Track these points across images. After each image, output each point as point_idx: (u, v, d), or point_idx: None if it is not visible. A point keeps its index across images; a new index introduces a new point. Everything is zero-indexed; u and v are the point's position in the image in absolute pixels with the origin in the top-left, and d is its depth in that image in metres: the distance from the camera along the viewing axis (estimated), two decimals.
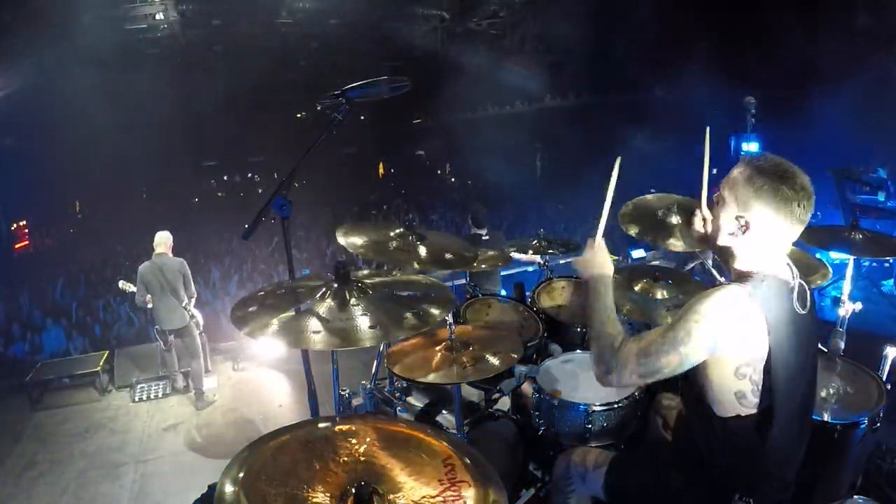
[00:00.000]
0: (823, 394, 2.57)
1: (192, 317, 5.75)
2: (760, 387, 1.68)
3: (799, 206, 1.67)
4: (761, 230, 1.70)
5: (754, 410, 1.70)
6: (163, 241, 5.68)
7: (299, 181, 2.14)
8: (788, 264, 1.78)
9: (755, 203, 1.69)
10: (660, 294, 3.42)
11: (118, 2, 11.06)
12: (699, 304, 1.66)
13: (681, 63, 12.43)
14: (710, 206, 1.91)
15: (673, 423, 2.41)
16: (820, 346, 3.15)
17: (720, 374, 1.69)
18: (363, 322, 1.82)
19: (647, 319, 3.41)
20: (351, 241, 2.65)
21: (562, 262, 5.10)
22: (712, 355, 1.65)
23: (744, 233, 1.72)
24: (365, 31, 13.46)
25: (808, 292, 1.78)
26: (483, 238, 5.63)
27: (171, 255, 5.74)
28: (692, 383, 1.79)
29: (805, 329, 1.75)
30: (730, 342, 1.64)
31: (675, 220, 3.17)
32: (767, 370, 1.67)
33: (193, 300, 5.81)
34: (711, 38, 11.61)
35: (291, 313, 1.84)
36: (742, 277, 1.74)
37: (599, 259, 2.00)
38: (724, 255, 1.86)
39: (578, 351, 3.12)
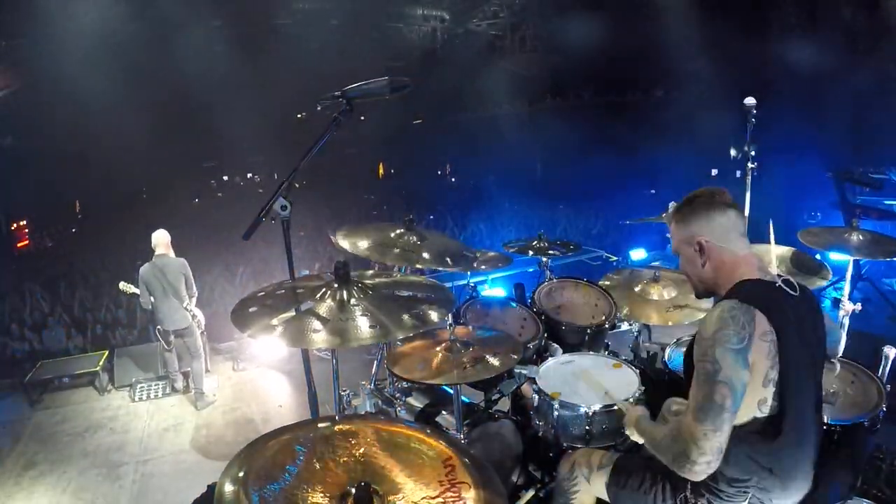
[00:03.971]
0: (823, 394, 2.57)
1: (194, 317, 5.74)
2: (778, 387, 1.70)
3: (711, 196, 1.89)
4: (712, 238, 1.86)
5: (769, 412, 1.72)
6: (161, 240, 5.65)
7: (299, 181, 2.14)
8: (761, 267, 1.85)
9: (691, 226, 1.89)
10: (660, 294, 3.43)
11: (118, 2, 11.06)
12: (706, 333, 1.71)
13: (681, 64, 12.44)
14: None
15: None
16: None
17: (750, 388, 1.69)
18: (363, 322, 1.83)
19: (648, 319, 3.41)
20: (352, 243, 2.66)
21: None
22: (750, 366, 1.66)
23: (703, 252, 1.87)
24: (365, 31, 13.46)
25: (793, 280, 1.84)
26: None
27: (172, 253, 5.73)
28: None
29: (803, 309, 1.81)
30: (753, 346, 1.66)
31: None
32: (783, 367, 1.69)
33: (195, 300, 5.80)
34: (712, 38, 11.61)
35: (292, 313, 1.84)
36: (729, 293, 1.80)
37: (632, 414, 2.14)
38: (712, 289, 1.94)
39: (579, 352, 3.12)
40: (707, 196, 1.90)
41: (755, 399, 1.72)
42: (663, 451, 1.77)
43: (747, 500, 1.79)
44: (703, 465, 1.64)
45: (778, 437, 1.73)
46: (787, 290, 1.79)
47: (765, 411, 1.72)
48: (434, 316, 1.95)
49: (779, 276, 1.83)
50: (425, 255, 2.84)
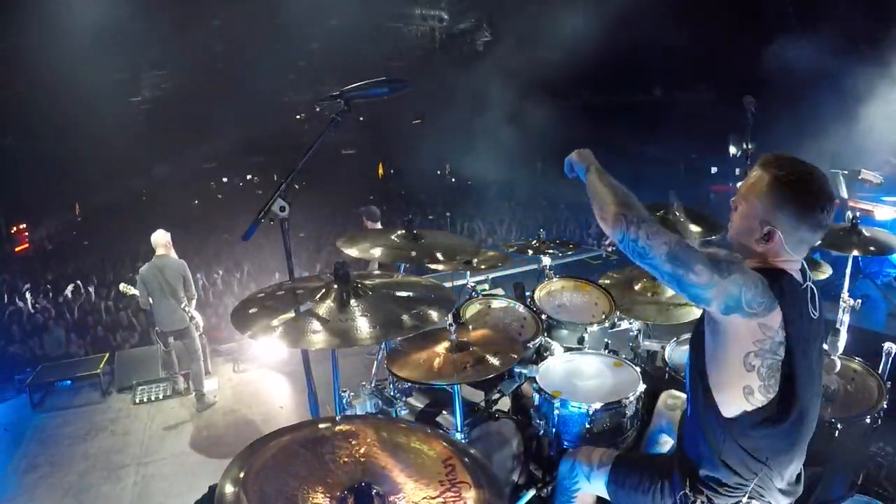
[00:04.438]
0: (824, 391, 2.58)
1: (192, 319, 5.75)
2: (769, 382, 1.67)
3: (822, 212, 1.67)
4: (785, 238, 1.68)
5: (761, 406, 1.69)
6: (160, 241, 5.67)
7: (298, 182, 2.14)
8: (803, 267, 1.78)
9: (778, 213, 1.68)
10: (660, 294, 3.42)
11: (118, 3, 11.06)
12: (733, 264, 1.64)
13: (681, 65, 12.44)
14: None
15: (677, 424, 2.41)
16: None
17: (730, 362, 1.68)
18: (363, 322, 1.83)
19: (648, 320, 3.41)
20: (355, 249, 2.68)
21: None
22: (729, 312, 1.61)
23: (767, 241, 1.71)
24: (365, 31, 13.47)
25: (818, 297, 1.78)
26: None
27: (172, 254, 5.74)
28: (699, 382, 1.78)
29: (815, 334, 1.76)
30: (747, 307, 1.61)
31: None
32: (784, 363, 1.66)
33: (194, 302, 5.81)
34: (712, 39, 11.62)
35: (292, 314, 1.84)
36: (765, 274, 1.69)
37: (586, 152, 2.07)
38: (743, 251, 1.81)
39: (579, 351, 3.12)
40: (819, 208, 1.67)
41: (739, 384, 1.68)
42: (621, 199, 1.74)
43: (746, 495, 1.79)
44: (621, 224, 1.68)
45: (778, 428, 1.71)
46: (811, 309, 1.74)
47: (754, 403, 1.69)
48: (434, 316, 1.95)
49: (812, 285, 1.77)
50: (426, 255, 2.84)
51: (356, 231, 5.70)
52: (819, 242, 1.79)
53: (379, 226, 6.07)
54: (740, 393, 1.69)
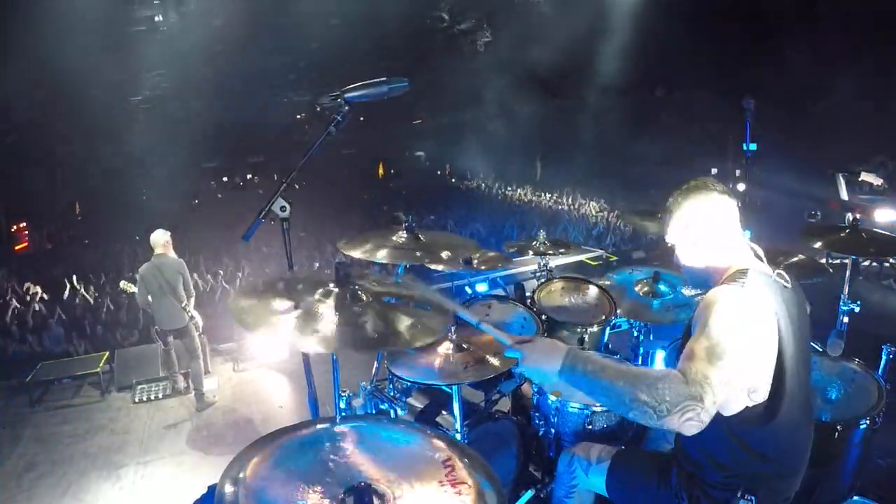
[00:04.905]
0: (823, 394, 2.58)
1: (192, 317, 5.75)
2: (772, 374, 1.69)
3: (710, 185, 1.89)
4: (705, 222, 1.86)
5: (761, 400, 1.71)
6: (159, 240, 5.69)
7: (298, 182, 2.14)
8: (758, 254, 1.88)
9: (685, 211, 1.89)
10: (660, 294, 3.43)
11: (118, 3, 11.06)
12: (712, 320, 1.61)
13: (681, 66, 12.45)
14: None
15: None
16: (819, 346, 3.16)
17: (743, 371, 1.66)
18: (363, 324, 1.82)
19: (648, 320, 3.41)
20: (357, 251, 2.68)
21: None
22: (744, 349, 1.62)
23: (695, 238, 1.88)
24: (365, 31, 13.45)
25: (784, 273, 1.84)
26: None
27: (171, 253, 5.76)
28: None
29: (794, 303, 1.82)
30: (751, 331, 1.63)
31: None
32: (778, 353, 1.69)
33: (192, 300, 5.82)
34: (711, 40, 11.62)
35: (292, 314, 1.84)
36: (726, 279, 1.79)
37: (542, 347, 1.74)
38: (702, 276, 1.93)
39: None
40: (700, 183, 1.92)
41: (745, 386, 1.68)
42: (635, 396, 1.52)
43: (740, 490, 1.78)
44: (708, 413, 1.50)
45: (770, 422, 1.73)
46: (783, 282, 1.80)
47: (756, 399, 1.70)
48: (434, 329, 1.90)
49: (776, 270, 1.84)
50: (427, 254, 2.84)
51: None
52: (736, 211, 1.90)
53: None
54: (745, 394, 1.70)
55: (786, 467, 1.81)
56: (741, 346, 1.60)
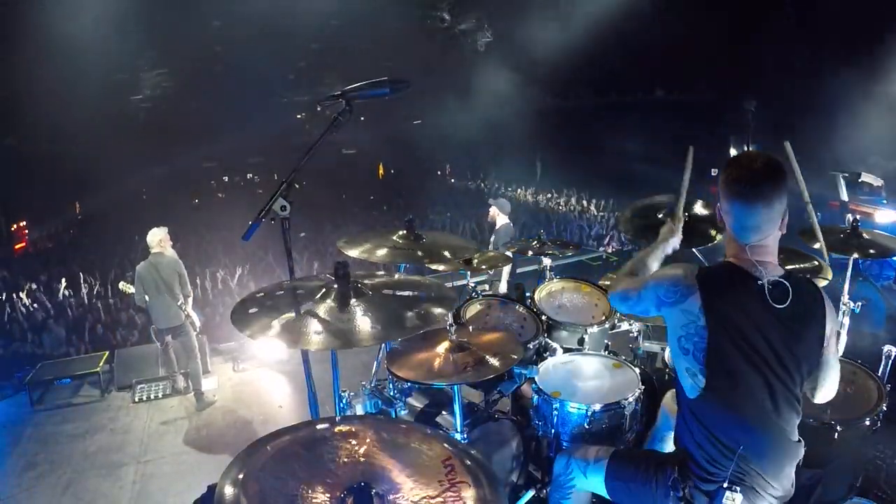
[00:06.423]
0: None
1: (188, 316, 5.75)
2: (703, 364, 1.79)
3: (740, 182, 1.79)
4: (725, 217, 1.87)
5: (705, 386, 1.81)
6: (155, 239, 5.68)
7: (299, 182, 2.14)
8: (760, 262, 1.80)
9: (721, 197, 1.87)
10: None
11: (119, 3, 11.06)
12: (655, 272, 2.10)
13: (682, 66, 12.45)
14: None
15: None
16: None
17: (672, 347, 1.89)
18: (363, 322, 1.82)
19: (647, 321, 3.41)
20: (357, 251, 2.68)
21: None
22: (660, 306, 1.91)
23: (722, 224, 1.91)
24: (365, 31, 13.47)
25: (791, 291, 1.77)
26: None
27: (169, 251, 5.75)
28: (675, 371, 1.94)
29: (766, 323, 1.76)
30: (669, 304, 1.86)
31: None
32: (711, 347, 1.78)
33: (189, 299, 5.81)
34: (712, 42, 11.63)
35: (292, 314, 1.84)
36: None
37: (666, 228, 2.40)
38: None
39: (579, 352, 3.12)
40: (735, 173, 1.81)
41: (682, 366, 1.86)
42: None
43: (727, 481, 1.79)
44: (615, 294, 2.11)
45: (724, 414, 1.80)
46: (767, 293, 1.75)
47: (698, 384, 1.82)
48: (435, 315, 1.94)
49: (778, 280, 1.78)
50: (427, 254, 2.84)
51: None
52: (757, 221, 1.79)
53: (507, 220, 6.70)
54: (687, 376, 1.85)
55: (764, 469, 1.81)
56: (655, 293, 1.91)
